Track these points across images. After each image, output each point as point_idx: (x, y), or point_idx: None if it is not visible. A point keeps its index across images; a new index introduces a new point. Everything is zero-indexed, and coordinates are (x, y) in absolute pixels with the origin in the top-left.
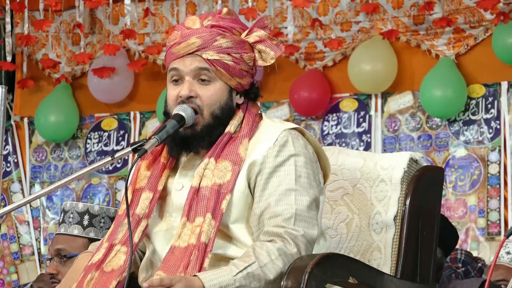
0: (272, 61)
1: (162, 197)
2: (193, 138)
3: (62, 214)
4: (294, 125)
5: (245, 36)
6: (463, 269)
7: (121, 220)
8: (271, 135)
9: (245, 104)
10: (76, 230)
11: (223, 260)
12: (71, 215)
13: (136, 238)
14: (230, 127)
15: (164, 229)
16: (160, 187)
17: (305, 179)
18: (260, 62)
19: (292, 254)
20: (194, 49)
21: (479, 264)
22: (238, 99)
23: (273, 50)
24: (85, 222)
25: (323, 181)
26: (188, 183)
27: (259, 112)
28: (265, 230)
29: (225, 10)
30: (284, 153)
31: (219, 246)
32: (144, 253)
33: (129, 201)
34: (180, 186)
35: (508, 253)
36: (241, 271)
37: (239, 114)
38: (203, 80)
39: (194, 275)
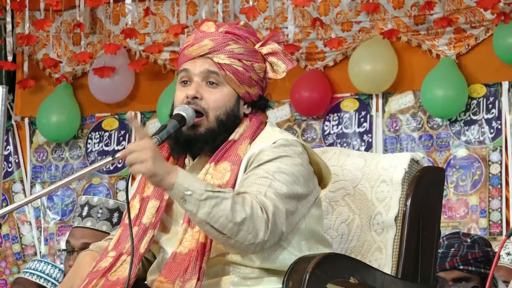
0: (283, 75)
1: (169, 205)
2: (196, 140)
3: (86, 208)
4: (295, 138)
5: (259, 47)
6: (470, 243)
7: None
8: (270, 139)
9: (253, 114)
10: (105, 227)
11: (221, 262)
12: (100, 211)
13: (142, 249)
14: (235, 135)
15: (171, 235)
16: (166, 196)
17: (288, 177)
18: (271, 74)
19: (259, 217)
20: (205, 51)
21: (489, 248)
22: (246, 109)
23: (285, 64)
24: (115, 220)
25: (315, 195)
26: None
27: (266, 121)
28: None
29: (242, 22)
30: (275, 153)
31: (220, 250)
32: (150, 262)
33: (136, 209)
34: None
35: (508, 254)
36: (213, 191)
37: (245, 123)
38: (211, 83)
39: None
